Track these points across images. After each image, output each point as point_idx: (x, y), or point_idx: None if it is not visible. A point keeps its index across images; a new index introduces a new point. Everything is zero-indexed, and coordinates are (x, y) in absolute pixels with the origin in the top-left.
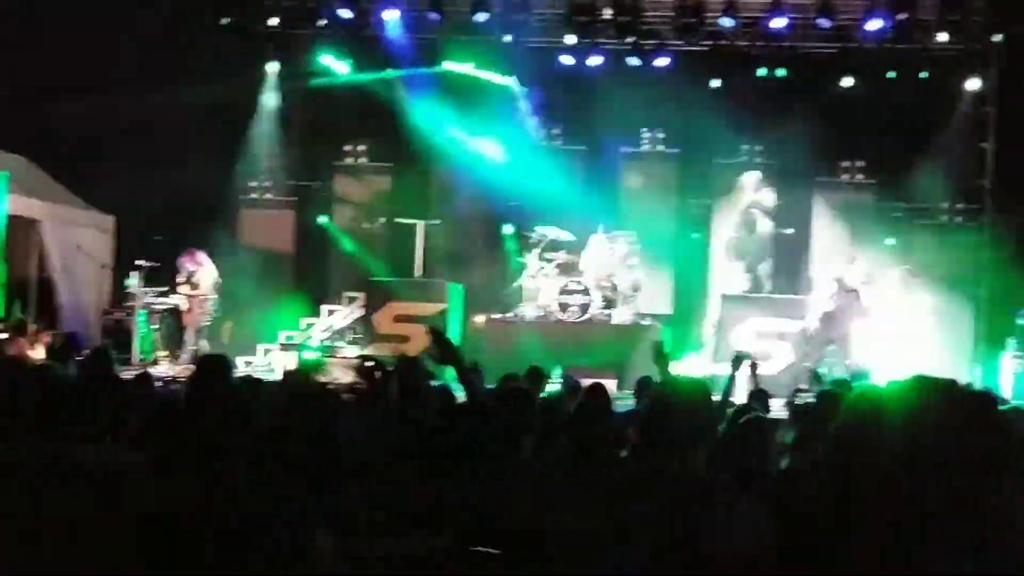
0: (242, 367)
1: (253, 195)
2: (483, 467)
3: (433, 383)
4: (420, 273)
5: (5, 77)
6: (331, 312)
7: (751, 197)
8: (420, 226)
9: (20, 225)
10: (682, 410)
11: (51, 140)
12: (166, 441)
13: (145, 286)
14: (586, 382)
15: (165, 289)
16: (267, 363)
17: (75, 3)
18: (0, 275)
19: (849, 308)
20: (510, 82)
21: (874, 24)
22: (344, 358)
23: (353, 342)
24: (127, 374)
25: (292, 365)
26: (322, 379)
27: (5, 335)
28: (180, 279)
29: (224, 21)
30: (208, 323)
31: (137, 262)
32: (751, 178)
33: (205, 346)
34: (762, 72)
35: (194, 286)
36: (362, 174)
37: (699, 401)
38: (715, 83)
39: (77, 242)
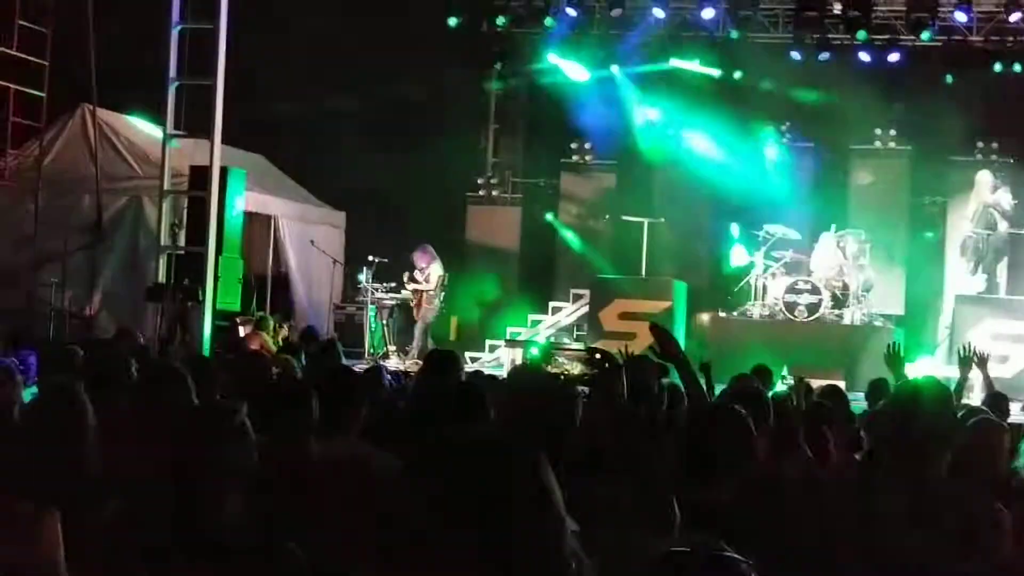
0: (469, 363)
1: (480, 192)
2: (723, 468)
3: (662, 380)
4: (645, 271)
5: (243, 77)
6: (557, 309)
7: (988, 197)
8: (645, 224)
9: (257, 221)
10: (923, 414)
11: (284, 138)
12: (401, 437)
13: (374, 281)
14: (814, 383)
15: (394, 284)
16: (494, 359)
17: (309, 4)
18: (238, 270)
19: None
20: (736, 78)
21: None
22: (573, 351)
23: (579, 339)
24: (358, 367)
25: (520, 360)
26: (553, 371)
27: (246, 329)
28: (410, 275)
29: (453, 21)
30: (435, 319)
31: (369, 258)
32: (987, 177)
33: (431, 342)
34: (998, 67)
35: (424, 282)
36: (587, 172)
37: (940, 405)
38: (948, 78)
39: (311, 238)
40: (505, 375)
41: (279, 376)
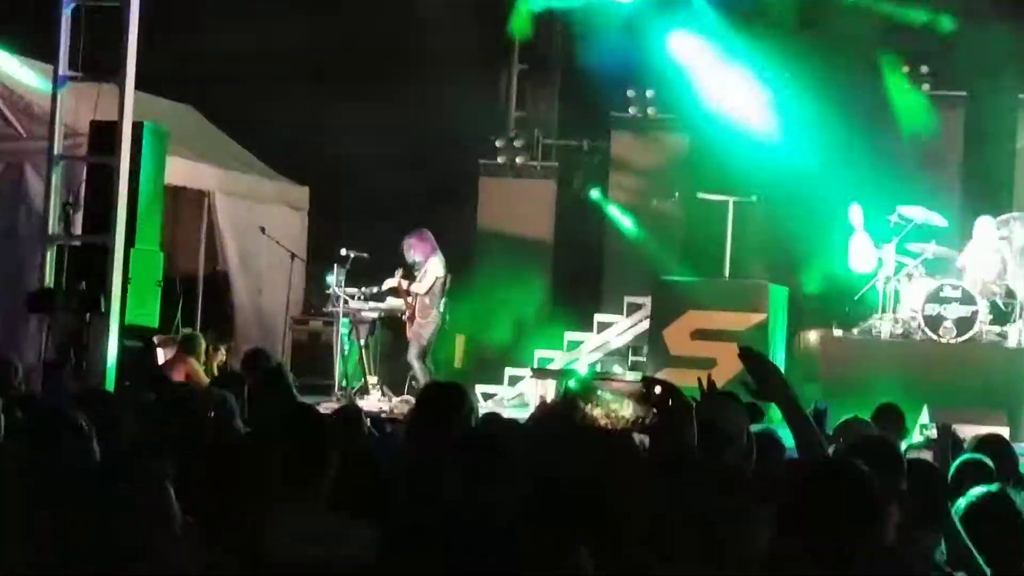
0: (481, 402)
1: (499, 159)
2: (835, 552)
3: (750, 426)
4: (730, 270)
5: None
6: (605, 325)
7: None
8: (731, 205)
9: (185, 200)
10: None
11: (224, 85)
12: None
13: (349, 285)
14: (965, 429)
15: (377, 289)
16: (517, 395)
17: None
18: (157, 268)
19: None
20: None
21: None
22: (624, 383)
23: (635, 367)
24: (326, 407)
25: (552, 396)
26: (596, 413)
27: (168, 352)
28: (403, 274)
29: None
30: (434, 338)
31: (341, 251)
32: None
33: (430, 369)
34: None
35: (418, 284)
36: (650, 131)
37: None
38: None
39: (260, 223)
40: (532, 419)
41: (216, 422)
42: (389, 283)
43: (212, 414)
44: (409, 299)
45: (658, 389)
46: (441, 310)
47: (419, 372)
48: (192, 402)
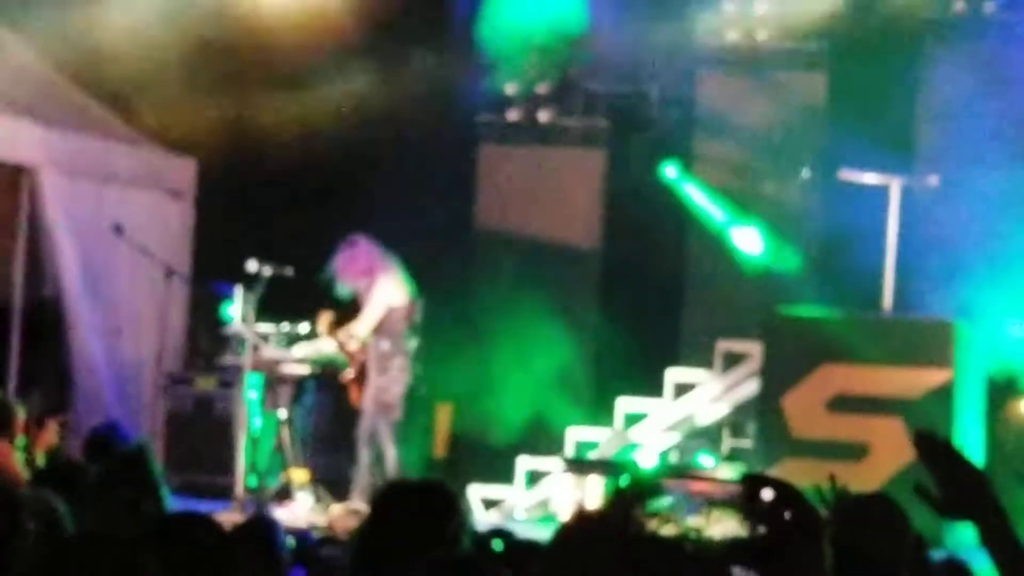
0: (480, 511)
1: (510, 114)
2: None
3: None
4: (893, 299)
5: None
6: (685, 388)
7: None
8: (894, 188)
9: None
10: None
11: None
12: None
13: (265, 319)
14: None
15: (306, 328)
16: (539, 502)
17: None
18: None
19: None
20: None
21: None
22: (715, 483)
23: (733, 456)
24: (223, 519)
25: (595, 503)
26: (664, 531)
27: None
28: (323, 320)
29: None
30: (400, 405)
31: (249, 265)
32: None
33: (392, 459)
34: None
35: (357, 323)
36: (761, 68)
37: None
38: None
39: (116, 218)
40: (560, 540)
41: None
42: (321, 330)
43: (31, 528)
44: (350, 347)
45: (768, 494)
46: (409, 359)
47: (372, 463)
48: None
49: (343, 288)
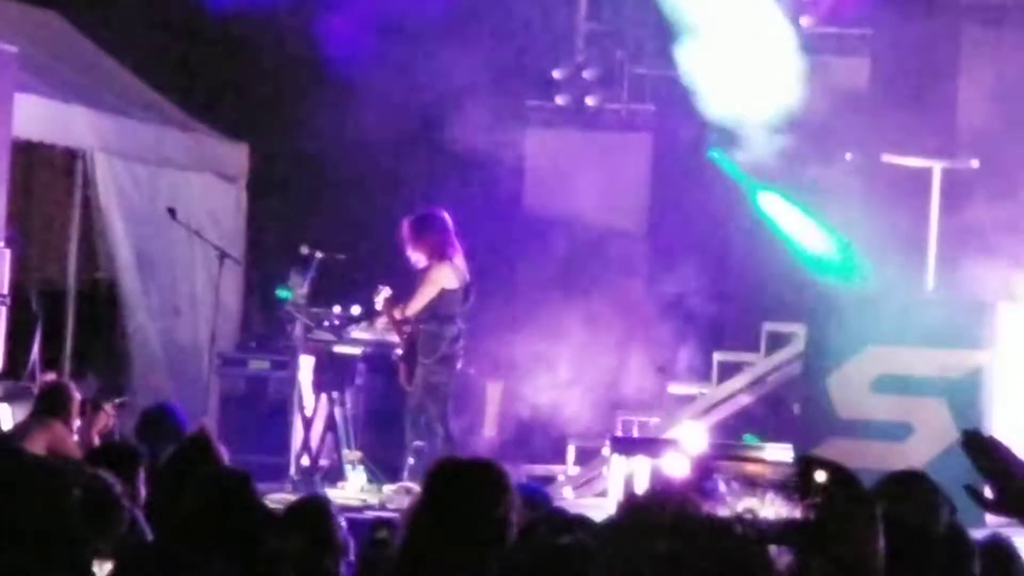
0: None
1: (558, 98)
2: None
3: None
4: (935, 280)
5: None
6: (731, 367)
7: None
8: (936, 173)
9: (45, 163)
10: None
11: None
12: None
13: (318, 303)
14: None
15: (360, 311)
16: (586, 478)
17: None
18: None
19: None
20: None
21: None
22: (766, 464)
23: (778, 438)
24: (277, 499)
25: (644, 484)
26: (718, 512)
27: (15, 411)
28: (380, 294)
29: None
30: (450, 385)
31: (303, 249)
32: None
33: (446, 436)
34: None
35: (411, 302)
36: (813, 51)
37: None
38: None
39: (170, 203)
40: (613, 521)
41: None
42: (378, 304)
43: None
44: (401, 326)
45: (822, 476)
46: (459, 342)
47: (425, 442)
48: (49, 489)
49: (410, 256)
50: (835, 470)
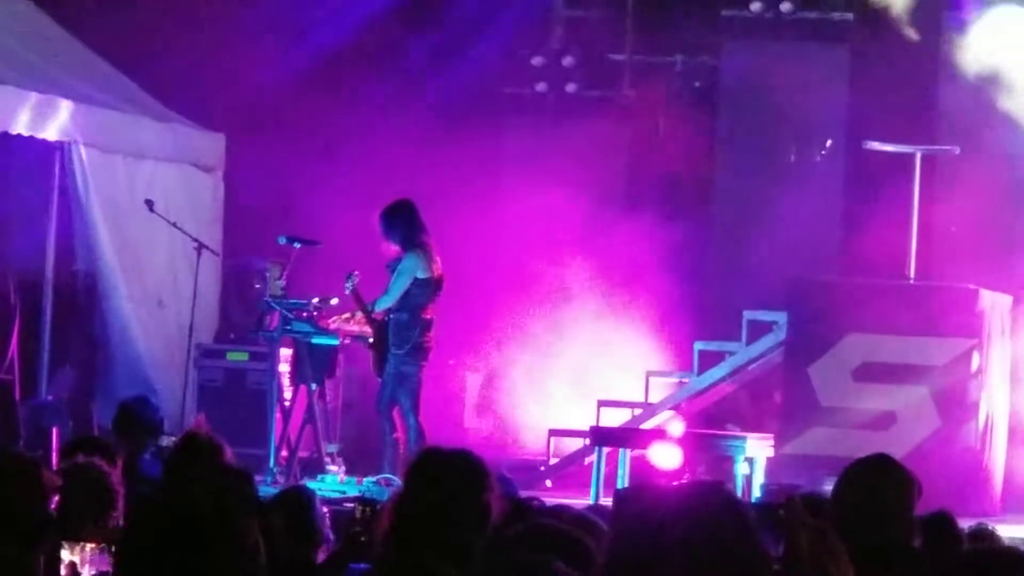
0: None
1: (537, 86)
2: None
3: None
4: (916, 266)
5: None
6: (711, 357)
7: None
8: (917, 160)
9: (23, 156)
10: None
11: None
12: None
13: (297, 295)
14: None
15: (336, 300)
16: (567, 471)
17: None
18: None
19: None
20: None
21: None
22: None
23: (760, 426)
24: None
25: (624, 472)
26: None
27: None
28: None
29: None
30: (416, 375)
31: (280, 239)
32: None
33: (417, 427)
34: None
35: (383, 296)
36: (788, 38)
37: None
38: None
39: (147, 195)
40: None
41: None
42: (348, 288)
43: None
44: (370, 313)
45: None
46: (429, 331)
47: (398, 433)
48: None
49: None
50: (806, 504)
